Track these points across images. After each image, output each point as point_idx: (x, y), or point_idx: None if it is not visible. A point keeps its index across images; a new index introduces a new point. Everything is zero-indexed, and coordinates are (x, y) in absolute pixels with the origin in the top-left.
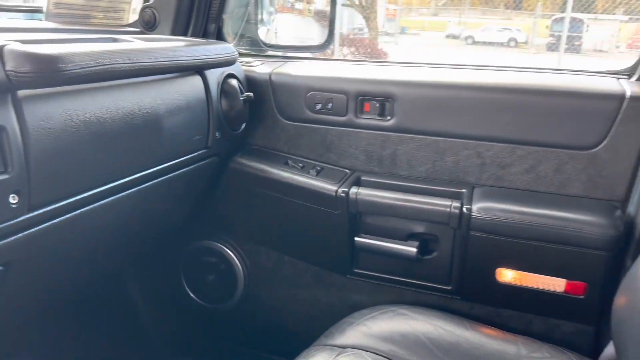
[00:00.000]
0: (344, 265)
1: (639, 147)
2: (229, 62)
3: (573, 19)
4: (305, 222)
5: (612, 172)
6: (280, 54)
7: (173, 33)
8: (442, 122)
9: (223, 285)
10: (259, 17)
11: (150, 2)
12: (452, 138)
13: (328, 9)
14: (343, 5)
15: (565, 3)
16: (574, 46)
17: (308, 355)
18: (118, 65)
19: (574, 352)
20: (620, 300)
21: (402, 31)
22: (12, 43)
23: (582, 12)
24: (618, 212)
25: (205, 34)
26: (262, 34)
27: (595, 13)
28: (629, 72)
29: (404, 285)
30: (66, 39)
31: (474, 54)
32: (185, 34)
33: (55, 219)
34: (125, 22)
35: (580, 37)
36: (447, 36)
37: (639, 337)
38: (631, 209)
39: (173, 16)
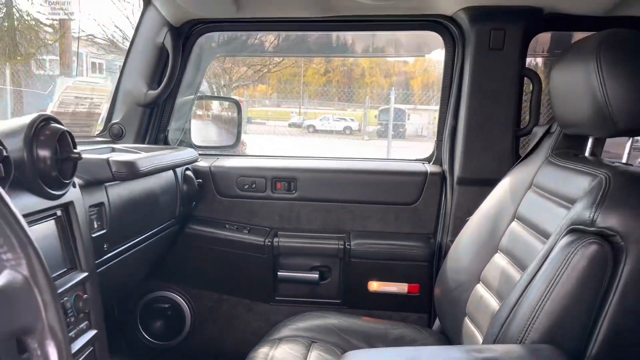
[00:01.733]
0: (268, 295)
1: (437, 201)
2: (195, 161)
3: (397, 110)
4: (240, 266)
5: (426, 217)
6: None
7: (135, 142)
8: (328, 193)
9: (173, 325)
10: (188, 127)
11: (118, 120)
12: (334, 202)
13: (220, 113)
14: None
15: (389, 96)
16: (399, 132)
17: (255, 350)
18: (156, 166)
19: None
20: (437, 291)
21: (249, 120)
22: (113, 154)
23: (403, 104)
24: (432, 240)
25: (157, 142)
26: (194, 138)
27: (414, 104)
28: (428, 159)
29: (310, 304)
30: (123, 148)
31: (317, 141)
32: (143, 142)
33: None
34: (94, 134)
35: (404, 125)
36: (290, 125)
37: (450, 310)
38: (438, 237)
39: (136, 129)
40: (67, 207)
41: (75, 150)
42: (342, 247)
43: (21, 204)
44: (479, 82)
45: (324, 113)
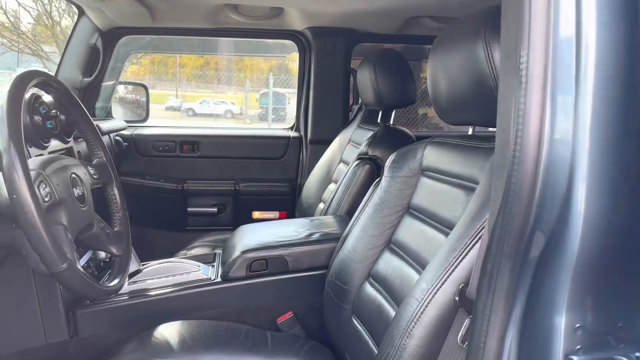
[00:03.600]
0: (181, 226)
1: (297, 156)
2: (125, 128)
3: (277, 93)
4: (158, 206)
5: (290, 167)
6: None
7: None
8: (222, 152)
9: None
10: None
11: None
12: (227, 159)
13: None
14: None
15: (268, 80)
16: (280, 116)
17: (175, 255)
18: (109, 128)
19: None
20: (297, 214)
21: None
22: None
23: (283, 88)
24: (294, 182)
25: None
26: (115, 115)
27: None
28: (291, 128)
29: (211, 231)
30: None
31: (198, 123)
32: None
33: None
34: None
35: (284, 108)
36: (167, 108)
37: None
38: (298, 181)
39: None
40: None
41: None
42: (233, 188)
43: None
44: (320, 75)
45: (203, 96)
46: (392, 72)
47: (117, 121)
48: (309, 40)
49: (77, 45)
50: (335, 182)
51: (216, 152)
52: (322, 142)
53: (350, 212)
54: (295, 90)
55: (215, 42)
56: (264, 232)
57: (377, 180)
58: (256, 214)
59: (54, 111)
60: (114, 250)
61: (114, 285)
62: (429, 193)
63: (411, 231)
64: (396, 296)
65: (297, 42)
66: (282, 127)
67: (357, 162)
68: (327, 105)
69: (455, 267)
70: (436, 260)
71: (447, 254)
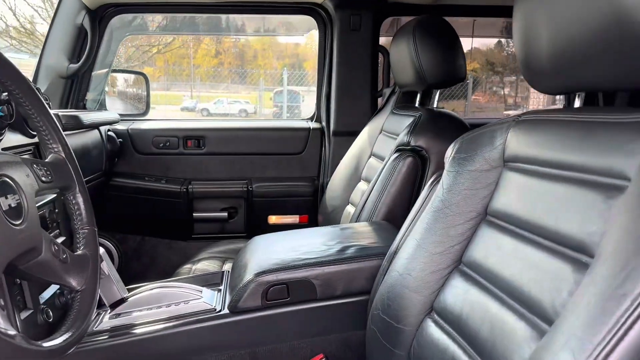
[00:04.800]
0: (186, 234)
1: (319, 151)
2: (117, 121)
3: (291, 91)
4: (160, 211)
5: (310, 164)
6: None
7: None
8: (232, 148)
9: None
10: (103, 98)
11: (43, 91)
12: (237, 155)
13: (126, 89)
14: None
15: (282, 78)
16: (294, 114)
17: (180, 267)
18: (94, 120)
19: None
20: (320, 218)
21: None
22: (59, 111)
23: (297, 86)
24: (315, 181)
25: (77, 107)
26: (109, 108)
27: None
28: (311, 118)
29: (221, 239)
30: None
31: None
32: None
33: None
34: None
35: (298, 106)
36: (183, 109)
37: None
38: (320, 179)
39: (59, 99)
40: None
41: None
42: (246, 189)
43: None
44: (344, 55)
45: (217, 96)
46: (437, 42)
47: (106, 113)
48: (330, 13)
49: (62, 26)
50: (366, 181)
51: (225, 148)
52: (347, 134)
53: (389, 218)
54: (309, 88)
55: (223, 21)
56: (284, 246)
57: (434, 177)
58: (272, 219)
59: (4, 94)
60: (72, 283)
61: (57, 345)
62: (521, 194)
63: (495, 248)
64: (480, 345)
65: (316, 16)
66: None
67: (397, 155)
68: (353, 90)
69: (628, 328)
70: (580, 311)
71: (602, 304)
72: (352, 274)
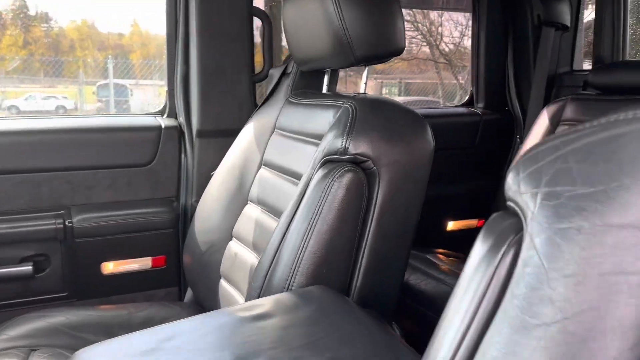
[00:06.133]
0: None
1: (177, 159)
2: None
3: (117, 85)
4: None
5: (165, 178)
6: None
7: None
8: (34, 161)
9: None
10: None
11: None
12: (45, 172)
13: None
14: None
15: (106, 70)
16: (123, 109)
17: None
18: None
19: (172, 302)
20: (186, 258)
21: None
22: None
23: (124, 79)
24: (175, 203)
25: None
26: None
27: (136, 79)
28: (161, 112)
29: (26, 305)
30: None
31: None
32: None
33: None
34: None
35: (127, 101)
36: None
37: (202, 276)
38: (182, 199)
39: None
40: None
41: None
42: (62, 226)
43: None
44: (207, 21)
45: (29, 91)
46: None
47: None
48: None
49: None
50: (260, 204)
51: (23, 161)
52: (220, 134)
53: (324, 274)
54: (138, 82)
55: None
56: None
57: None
58: (109, 267)
59: None
60: None
61: None
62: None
63: None
64: None
65: None
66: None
67: (326, 170)
68: (223, 70)
69: None
70: None
71: None
72: None
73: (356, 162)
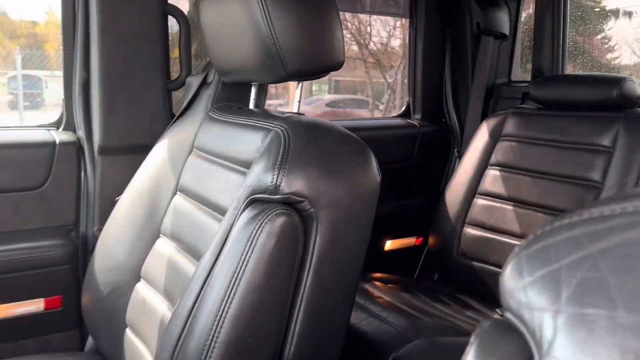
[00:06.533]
0: None
1: (75, 180)
2: None
3: (29, 76)
4: None
5: (60, 203)
6: None
7: None
8: None
9: None
10: None
11: None
12: None
13: None
14: None
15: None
16: (36, 102)
17: None
18: None
19: (67, 353)
20: (85, 300)
21: None
22: None
23: (38, 70)
24: (73, 233)
25: None
26: None
27: (52, 70)
28: (56, 124)
29: None
30: None
31: None
32: None
33: None
34: None
35: (41, 94)
36: None
37: (104, 323)
38: (81, 228)
39: None
40: None
41: None
42: None
43: None
44: (110, 18)
45: None
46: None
47: None
48: None
49: None
50: (171, 238)
51: None
52: (128, 151)
53: (253, 335)
54: (53, 73)
55: None
56: None
57: None
58: None
59: None
60: None
61: None
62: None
63: None
64: None
65: None
66: (38, 120)
67: (254, 211)
68: (132, 76)
69: None
70: None
71: None
72: None
73: (289, 203)
